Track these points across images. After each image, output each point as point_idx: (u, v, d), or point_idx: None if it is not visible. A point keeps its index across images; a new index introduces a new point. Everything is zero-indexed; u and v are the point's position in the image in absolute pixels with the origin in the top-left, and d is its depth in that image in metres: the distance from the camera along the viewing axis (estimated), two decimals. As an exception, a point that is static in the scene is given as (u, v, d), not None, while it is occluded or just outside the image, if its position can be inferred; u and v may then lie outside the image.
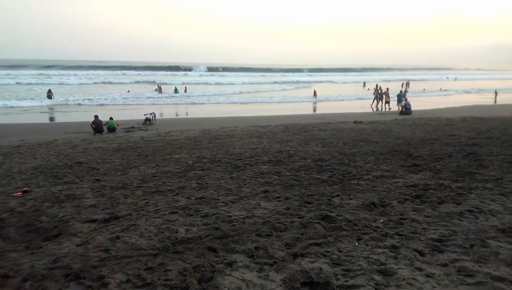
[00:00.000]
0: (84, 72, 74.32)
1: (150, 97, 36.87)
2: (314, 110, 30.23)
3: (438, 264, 3.94)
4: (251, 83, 61.19)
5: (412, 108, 24.92)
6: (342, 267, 3.92)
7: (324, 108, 29.96)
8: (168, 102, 34.55)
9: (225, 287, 3.59)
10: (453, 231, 4.79)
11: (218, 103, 34.87)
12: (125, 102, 32.85)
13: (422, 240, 4.52)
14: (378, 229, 4.95)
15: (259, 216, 5.64)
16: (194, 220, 5.51)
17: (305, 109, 30.71)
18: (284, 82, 64.49)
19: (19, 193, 7.15)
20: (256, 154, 10.73)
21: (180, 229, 5.14)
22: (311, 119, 21.10)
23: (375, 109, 28.93)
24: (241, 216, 5.64)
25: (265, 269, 3.95)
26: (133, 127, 18.39)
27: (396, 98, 27.66)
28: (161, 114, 24.74)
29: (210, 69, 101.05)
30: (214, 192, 7.04)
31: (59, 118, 23.73)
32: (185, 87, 44.67)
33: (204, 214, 5.76)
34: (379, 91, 31.03)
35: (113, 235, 4.98)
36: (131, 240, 4.80)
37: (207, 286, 3.61)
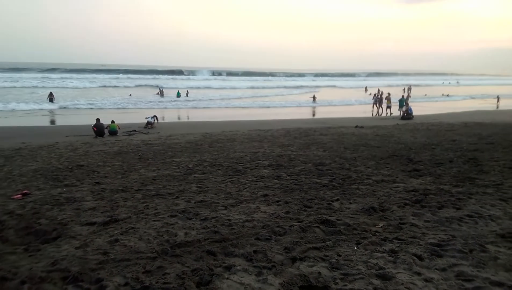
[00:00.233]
0: (87, 76, 74.62)
1: (151, 101, 36.94)
2: (316, 114, 30.24)
3: (436, 269, 3.92)
4: (254, 88, 61.26)
5: (414, 113, 24.91)
6: (341, 271, 3.91)
7: (326, 113, 29.97)
8: (170, 106, 34.63)
9: (223, 291, 3.58)
10: (453, 236, 4.78)
11: (219, 107, 34.92)
12: (126, 106, 32.93)
13: (421, 245, 4.50)
14: (377, 234, 4.94)
15: (258, 220, 5.64)
16: (193, 224, 5.51)
17: (306, 113, 30.76)
18: (286, 87, 64.59)
19: (19, 195, 7.17)
20: (256, 158, 10.74)
21: (179, 233, 5.14)
22: (313, 124, 21.12)
23: (375, 114, 28.92)
24: (241, 220, 5.63)
25: (263, 273, 3.94)
26: (134, 130, 18.44)
27: (398, 103, 27.67)
28: (163, 118, 24.79)
29: (214, 73, 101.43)
30: (214, 196, 7.04)
31: (61, 121, 23.81)
32: (187, 91, 44.77)
33: (203, 218, 5.76)
34: (378, 96, 31.02)
35: (112, 238, 4.98)
36: (130, 243, 4.80)
37: (205, 289, 3.61)
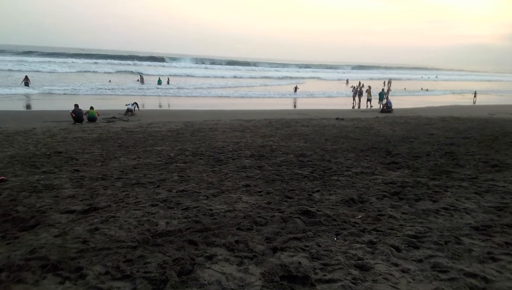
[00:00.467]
0: (65, 60, 72.66)
1: (131, 88, 36.25)
2: (298, 106, 30.35)
3: (413, 260, 4.04)
4: (237, 77, 60.81)
5: (393, 107, 25.29)
6: (321, 262, 3.99)
7: (308, 104, 30.11)
8: (151, 93, 34.11)
9: (205, 280, 3.61)
10: (429, 228, 4.92)
11: (202, 96, 34.61)
12: (105, 92, 32.28)
13: (398, 236, 4.62)
14: (356, 225, 5.05)
15: (240, 210, 5.67)
16: (174, 213, 5.50)
17: (289, 104, 30.85)
18: (269, 77, 64.37)
19: (-5, 182, 6.99)
20: (238, 148, 10.74)
21: (161, 222, 5.13)
22: (295, 115, 21.21)
23: (356, 107, 29.24)
24: (222, 210, 5.65)
25: (245, 263, 3.99)
26: (114, 117, 18.12)
27: (378, 96, 28.04)
28: (143, 105, 24.43)
29: (197, 61, 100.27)
30: (195, 185, 7.03)
31: (38, 106, 23.17)
32: (168, 79, 44.12)
33: (185, 207, 5.75)
34: (358, 89, 31.41)
35: (91, 227, 4.93)
36: (110, 232, 4.76)
37: (186, 278, 3.62)
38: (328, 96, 38.71)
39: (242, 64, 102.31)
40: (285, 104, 30.04)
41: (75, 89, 32.16)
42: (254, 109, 24.13)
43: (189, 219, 5.23)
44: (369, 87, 32.18)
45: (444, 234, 4.70)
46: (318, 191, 6.71)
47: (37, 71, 49.01)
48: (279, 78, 64.15)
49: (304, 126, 15.77)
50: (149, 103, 26.74)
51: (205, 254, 4.16)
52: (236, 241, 4.49)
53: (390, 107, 25.03)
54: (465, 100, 38.12)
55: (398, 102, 29.74)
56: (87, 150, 10.14)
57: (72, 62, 68.43)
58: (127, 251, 4.23)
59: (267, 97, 35.80)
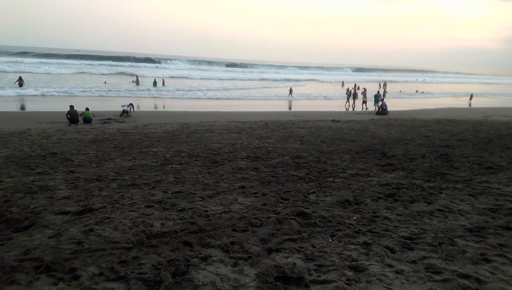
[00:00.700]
0: (61, 61, 72.43)
1: (127, 89, 36.12)
2: (294, 107, 30.38)
3: (407, 261, 4.06)
4: (234, 79, 60.68)
5: (388, 109, 25.40)
6: (315, 263, 3.99)
7: (304, 106, 30.18)
8: (146, 94, 34.05)
9: (199, 281, 3.60)
10: (423, 229, 4.94)
11: (198, 97, 34.57)
12: (101, 93, 32.18)
13: (393, 238, 4.64)
14: (351, 226, 5.06)
15: (235, 211, 5.67)
16: (170, 214, 5.49)
17: (285, 106, 30.89)
18: (266, 79, 64.31)
19: (-11, 183, 6.95)
20: (234, 149, 10.74)
21: (156, 223, 5.12)
22: (291, 117, 21.25)
23: (350, 109, 29.32)
24: (218, 211, 5.65)
25: (239, 264, 3.99)
26: (109, 118, 18.08)
27: (374, 99, 28.14)
28: (138, 106, 24.38)
29: (193, 63, 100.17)
30: (191, 187, 7.02)
31: (33, 107, 23.06)
32: (163, 80, 44.03)
33: (180, 209, 5.74)
34: (351, 91, 31.59)
35: (86, 228, 4.91)
36: (105, 233, 4.74)
37: (181, 280, 3.62)
38: (324, 98, 38.80)
39: (239, 66, 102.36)
40: (281, 106, 30.10)
41: (70, 90, 32.01)
42: (250, 111, 24.15)
43: (185, 221, 5.22)
44: (365, 89, 32.34)
45: (438, 235, 4.72)
46: (313, 192, 6.73)
47: (32, 72, 48.72)
48: (275, 80, 64.12)
49: (300, 128, 15.80)
50: (144, 105, 26.71)
51: (200, 255, 4.15)
52: (231, 242, 4.49)
53: (386, 109, 25.15)
54: (460, 102, 38.32)
55: (393, 104, 29.86)
56: (82, 151, 10.10)
57: (67, 63, 68.24)
58: (122, 252, 4.21)
59: (263, 99, 35.82)
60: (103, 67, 65.28)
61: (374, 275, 3.74)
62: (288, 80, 64.22)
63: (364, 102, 29.13)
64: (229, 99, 34.49)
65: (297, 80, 64.57)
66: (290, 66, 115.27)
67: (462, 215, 5.53)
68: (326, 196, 6.54)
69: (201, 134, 13.60)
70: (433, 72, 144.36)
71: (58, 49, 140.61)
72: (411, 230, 4.89)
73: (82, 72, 54.88)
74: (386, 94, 34.85)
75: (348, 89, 33.44)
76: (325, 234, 4.79)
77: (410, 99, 41.98)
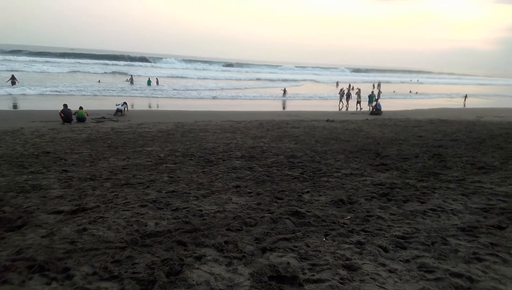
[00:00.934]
0: (55, 60, 71.96)
1: (121, 88, 35.92)
2: (289, 107, 30.41)
3: (400, 260, 4.09)
4: (231, 79, 60.46)
5: (382, 109, 25.51)
6: (309, 262, 4.01)
7: (299, 106, 30.22)
8: (141, 93, 33.90)
9: (193, 280, 3.60)
10: (416, 229, 4.97)
11: (192, 97, 34.48)
12: (95, 92, 32.00)
13: (386, 237, 4.67)
14: (345, 225, 5.08)
15: (230, 210, 5.67)
16: (164, 214, 5.48)
17: (279, 106, 30.92)
18: (261, 79, 64.15)
19: (-19, 182, 6.89)
20: (229, 149, 10.74)
21: (150, 223, 5.11)
22: (285, 116, 21.28)
23: (343, 109, 29.40)
24: (212, 211, 5.65)
25: (233, 263, 3.99)
26: (103, 117, 18.00)
27: (368, 99, 28.26)
28: (132, 105, 24.28)
29: (187, 62, 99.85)
30: (185, 186, 7.01)
31: (26, 105, 22.89)
32: (157, 79, 43.85)
33: (174, 208, 5.73)
34: (344, 91, 31.72)
35: (79, 227, 4.89)
36: (98, 233, 4.73)
37: (175, 279, 3.61)
38: (319, 98, 38.86)
39: (235, 65, 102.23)
40: (275, 106, 30.13)
41: (64, 89, 31.78)
42: (245, 111, 24.15)
43: (179, 220, 5.22)
44: (359, 89, 32.48)
45: (431, 235, 4.75)
46: (308, 192, 6.75)
47: (25, 70, 48.31)
48: (272, 80, 63.94)
49: (295, 128, 15.83)
50: (139, 104, 26.61)
51: (194, 254, 4.15)
52: (226, 242, 4.49)
53: (380, 109, 25.25)
54: (454, 103, 38.57)
55: (387, 105, 30.00)
56: (76, 151, 10.05)
57: (61, 61, 67.82)
58: (115, 251, 4.20)
59: (258, 99, 35.78)
60: (98, 65, 64.93)
61: (368, 274, 3.77)
62: (285, 80, 64.03)
63: (358, 102, 29.25)
64: (224, 98, 34.44)
65: (294, 80, 64.48)
66: (287, 66, 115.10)
67: (455, 215, 5.57)
68: (320, 195, 6.56)
69: (195, 133, 13.59)
70: (428, 72, 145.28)
71: (52, 48, 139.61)
72: (404, 230, 4.92)
73: (76, 71, 54.52)
74: (381, 95, 34.98)
75: (341, 90, 33.55)
76: (319, 234, 4.81)
77: (404, 99, 42.19)
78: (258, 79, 63.68)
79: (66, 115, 16.35)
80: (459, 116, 23.71)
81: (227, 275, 3.75)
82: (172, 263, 3.91)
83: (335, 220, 5.27)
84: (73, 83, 36.99)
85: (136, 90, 36.07)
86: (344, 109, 29.42)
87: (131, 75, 46.74)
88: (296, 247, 4.38)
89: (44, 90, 30.64)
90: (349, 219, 5.38)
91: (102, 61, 75.70)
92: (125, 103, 20.24)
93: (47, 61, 65.77)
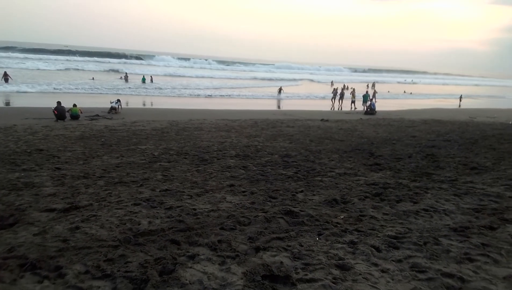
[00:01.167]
0: (49, 56, 71.43)
1: (115, 86, 35.74)
2: (284, 106, 30.43)
3: (393, 260, 4.11)
4: (229, 78, 60.19)
5: (377, 109, 25.61)
6: (302, 261, 4.02)
7: (294, 105, 30.24)
8: (135, 91, 33.73)
9: (186, 280, 3.60)
10: (409, 229, 5.01)
11: (187, 95, 34.37)
12: (88, 90, 31.80)
13: (379, 237, 4.69)
14: (338, 225, 5.10)
15: (224, 209, 5.67)
16: (157, 212, 5.47)
17: (274, 105, 30.92)
18: (258, 78, 63.93)
19: (-27, 179, 6.83)
20: (223, 147, 10.73)
21: (143, 221, 5.09)
22: (280, 116, 21.29)
23: (337, 109, 29.47)
24: (206, 209, 5.65)
25: (227, 262, 3.99)
26: (97, 115, 17.89)
27: (362, 99, 28.35)
28: (127, 103, 24.17)
29: (181, 59, 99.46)
30: (179, 185, 7.00)
31: (19, 102, 22.70)
32: (151, 77, 43.69)
33: (168, 207, 5.72)
34: (337, 91, 31.81)
35: (72, 225, 4.87)
36: (91, 231, 4.71)
37: (168, 278, 3.61)
38: (314, 97, 38.88)
39: (231, 64, 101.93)
40: (270, 105, 30.12)
41: (57, 86, 31.56)
42: (240, 109, 24.13)
43: (172, 219, 5.21)
44: (353, 89, 32.56)
45: (423, 235, 4.79)
46: (301, 191, 6.76)
47: (18, 67, 47.86)
48: (270, 79, 63.68)
49: (289, 127, 15.85)
50: (133, 102, 26.49)
51: (188, 253, 4.15)
52: (219, 241, 4.49)
53: (374, 109, 25.35)
54: (448, 104, 38.80)
55: (381, 105, 30.12)
56: (69, 148, 9.99)
57: (55, 58, 67.33)
58: (108, 250, 4.19)
59: (253, 98, 35.74)
60: (92, 63, 64.58)
61: (360, 274, 3.79)
62: (282, 79, 63.82)
63: (353, 101, 29.36)
64: (219, 97, 34.38)
65: (291, 80, 64.27)
66: (283, 65, 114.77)
67: (447, 215, 5.62)
68: (314, 195, 6.58)
69: (190, 132, 13.56)
70: (424, 73, 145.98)
71: (46, 44, 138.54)
72: (397, 229, 4.95)
73: (70, 68, 54.13)
74: (376, 94, 35.09)
75: (334, 89, 33.63)
76: (312, 233, 4.82)
77: (398, 99, 42.36)
78: (254, 78, 63.51)
79: (59, 112, 16.24)
80: (453, 116, 23.86)
81: (220, 274, 3.75)
82: (165, 262, 3.90)
83: (329, 220, 5.29)
84: (66, 81, 36.74)
85: (131, 88, 35.88)
86: (336, 108, 29.48)
87: (126, 73, 46.55)
88: (290, 246, 4.39)
89: (37, 87, 30.39)
90: (342, 218, 5.40)
91: (96, 59, 75.33)
92: (118, 100, 20.15)
93: (40, 58, 65.23)
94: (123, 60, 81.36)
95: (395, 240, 4.59)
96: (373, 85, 54.67)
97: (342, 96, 30.72)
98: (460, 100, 38.33)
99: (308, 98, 38.23)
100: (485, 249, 4.40)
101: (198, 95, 34.36)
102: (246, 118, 18.41)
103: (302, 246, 4.42)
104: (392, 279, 3.72)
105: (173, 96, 32.69)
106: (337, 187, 7.10)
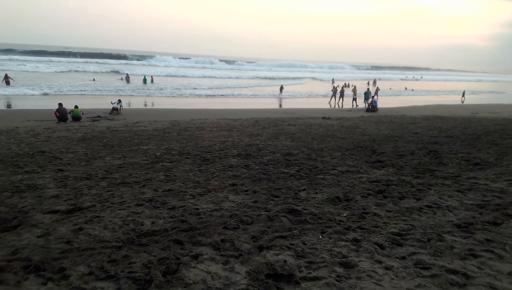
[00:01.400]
0: (51, 58, 71.54)
1: (116, 87, 35.78)
2: (285, 105, 30.41)
3: (397, 257, 4.10)
4: (229, 77, 60.05)
5: (378, 106, 25.56)
6: (306, 260, 4.02)
7: (295, 103, 30.24)
8: (136, 92, 33.76)
9: (190, 279, 3.60)
10: (412, 225, 4.99)
11: (188, 95, 34.37)
12: (90, 91, 31.85)
13: (382, 234, 4.68)
14: (341, 223, 5.09)
15: (226, 209, 5.67)
16: (160, 213, 5.47)
17: (276, 104, 30.90)
18: (259, 77, 63.70)
19: (-24, 182, 6.85)
20: (225, 147, 10.73)
21: (146, 222, 5.10)
22: (282, 114, 21.27)
23: (336, 106, 29.41)
24: (209, 209, 5.64)
25: (230, 262, 3.99)
26: (99, 116, 17.92)
27: (363, 96, 28.30)
28: (129, 104, 24.20)
29: (182, 59, 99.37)
30: (182, 185, 7.00)
31: (21, 105, 22.76)
32: (151, 77, 43.72)
33: (171, 207, 5.73)
34: (337, 89, 31.76)
35: (75, 227, 4.87)
36: (94, 232, 4.71)
37: (171, 278, 3.61)
38: (316, 95, 38.80)
39: (233, 63, 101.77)
40: (272, 104, 30.10)
41: (59, 88, 31.61)
42: (241, 108, 24.12)
43: (175, 219, 5.21)
44: (355, 86, 32.50)
45: (427, 231, 4.77)
46: (304, 189, 6.75)
47: (18, 70, 47.91)
48: (270, 78, 63.46)
49: (291, 125, 15.83)
50: (134, 102, 26.52)
51: (191, 253, 4.15)
52: (222, 240, 4.49)
53: (375, 106, 25.31)
54: (449, 99, 38.70)
55: (383, 102, 30.07)
56: (72, 150, 10.01)
57: (56, 60, 67.46)
58: (112, 251, 4.19)
59: (255, 96, 35.72)
60: (92, 64, 64.64)
61: (364, 272, 3.78)
62: (284, 78, 63.47)
63: (354, 99, 29.31)
64: (220, 96, 34.38)
65: (298, 78, 64.02)
66: (284, 63, 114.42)
67: (451, 211, 5.60)
68: (316, 193, 6.57)
69: (191, 131, 13.56)
70: (426, 69, 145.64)
71: (46, 46, 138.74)
72: (400, 226, 4.94)
73: (71, 70, 54.19)
74: (379, 92, 35.03)
75: (334, 87, 33.59)
76: (315, 231, 4.82)
77: (400, 96, 42.27)
78: (256, 77, 63.36)
79: (61, 114, 16.27)
80: (455, 112, 23.79)
81: (224, 273, 3.75)
82: (168, 262, 3.90)
83: (332, 218, 5.28)
84: (68, 82, 36.80)
85: (132, 88, 35.91)
86: (336, 106, 29.43)
87: (127, 73, 46.60)
88: (293, 245, 4.39)
89: (38, 90, 30.46)
90: (345, 216, 5.39)
91: (97, 60, 75.36)
92: (119, 100, 20.18)
93: (41, 60, 65.37)
94: (124, 61, 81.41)
95: (398, 237, 4.58)
96: (374, 82, 54.60)
97: (342, 94, 30.66)
98: (463, 96, 38.25)
99: (310, 96, 38.17)
100: (489, 245, 4.39)
101: (199, 95, 34.37)
102: (248, 117, 18.40)
103: (305, 244, 4.41)
104: (396, 276, 3.71)
105: (174, 96, 32.72)
106: (339, 185, 7.09)
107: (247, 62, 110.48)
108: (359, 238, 4.57)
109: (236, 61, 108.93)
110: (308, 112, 22.34)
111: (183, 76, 56.96)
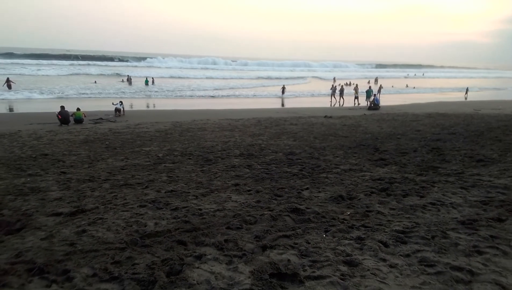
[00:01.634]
0: (52, 62, 71.76)
1: (118, 89, 35.83)
2: (287, 104, 30.39)
3: (401, 255, 4.08)
4: (231, 78, 59.99)
5: (380, 104, 25.52)
6: (310, 259, 4.00)
7: (297, 103, 30.21)
8: (138, 94, 33.82)
9: (194, 280, 3.59)
10: (416, 223, 4.97)
11: (190, 96, 34.41)
12: (91, 93, 31.92)
13: (386, 232, 4.66)
14: (345, 221, 5.07)
15: (229, 209, 5.66)
16: (163, 214, 5.47)
17: (278, 103, 30.88)
18: (263, 78, 63.53)
19: (-21, 185, 6.87)
20: (227, 147, 10.73)
21: (149, 223, 5.09)
22: (283, 113, 21.26)
23: (336, 105, 29.34)
24: (212, 209, 5.64)
25: (234, 262, 3.98)
26: (101, 118, 17.96)
27: (365, 94, 28.26)
28: (131, 106, 24.23)
29: (184, 61, 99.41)
30: (184, 185, 7.00)
31: (23, 108, 22.83)
32: (153, 79, 43.76)
33: (174, 208, 5.72)
34: (337, 88, 31.74)
35: (79, 229, 4.87)
36: (98, 234, 4.71)
37: (175, 279, 3.60)
38: (318, 95, 38.74)
39: (235, 64, 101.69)
40: (274, 103, 30.09)
41: (61, 91, 31.69)
42: (243, 108, 24.13)
43: (178, 219, 5.21)
44: (356, 85, 32.46)
45: (431, 228, 4.75)
46: (307, 188, 6.74)
47: (20, 73, 48.08)
48: (272, 78, 63.21)
49: (293, 125, 15.82)
50: (136, 104, 26.57)
51: (194, 254, 4.14)
52: (226, 240, 4.48)
53: (378, 104, 25.26)
54: (452, 97, 38.58)
55: (385, 99, 30.01)
56: (74, 152, 10.03)
57: (57, 63, 67.65)
58: (115, 252, 4.19)
59: (257, 97, 35.71)
60: (94, 67, 64.83)
61: (368, 270, 3.76)
62: (287, 78, 63.26)
63: (356, 97, 29.26)
64: (222, 97, 34.40)
65: (302, 78, 63.88)
66: (287, 63, 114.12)
67: (454, 208, 5.57)
68: (319, 192, 6.55)
69: (193, 132, 13.57)
70: (429, 66, 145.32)
71: (48, 49, 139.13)
72: (404, 224, 4.92)
73: (73, 73, 54.33)
74: (382, 90, 34.98)
75: (333, 86, 33.56)
76: (319, 230, 4.80)
77: (402, 94, 42.17)
78: (258, 77, 63.24)
79: (63, 116, 16.32)
80: (457, 109, 23.72)
81: (228, 273, 3.74)
82: (172, 263, 3.90)
83: (335, 216, 5.27)
84: (69, 85, 36.90)
85: (134, 90, 35.96)
86: (336, 105, 29.36)
87: (128, 75, 46.68)
88: (296, 244, 4.37)
89: (40, 92, 30.56)
90: (348, 214, 5.37)
91: (98, 63, 75.54)
92: (121, 102, 20.21)
93: (42, 64, 65.57)
94: (126, 63, 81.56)
95: (402, 235, 4.56)
96: (376, 81, 54.53)
97: (342, 92, 30.60)
98: (466, 93, 38.14)
99: (313, 95, 38.10)
100: (494, 241, 4.36)
101: (201, 96, 34.39)
102: (249, 117, 18.40)
103: (309, 243, 4.39)
104: (401, 274, 3.69)
105: (176, 97, 32.76)
106: (342, 183, 7.07)
107: (249, 62, 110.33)
108: (363, 236, 4.56)
109: (237, 60, 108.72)
110: (310, 111, 22.32)
111: (185, 78, 56.93)
